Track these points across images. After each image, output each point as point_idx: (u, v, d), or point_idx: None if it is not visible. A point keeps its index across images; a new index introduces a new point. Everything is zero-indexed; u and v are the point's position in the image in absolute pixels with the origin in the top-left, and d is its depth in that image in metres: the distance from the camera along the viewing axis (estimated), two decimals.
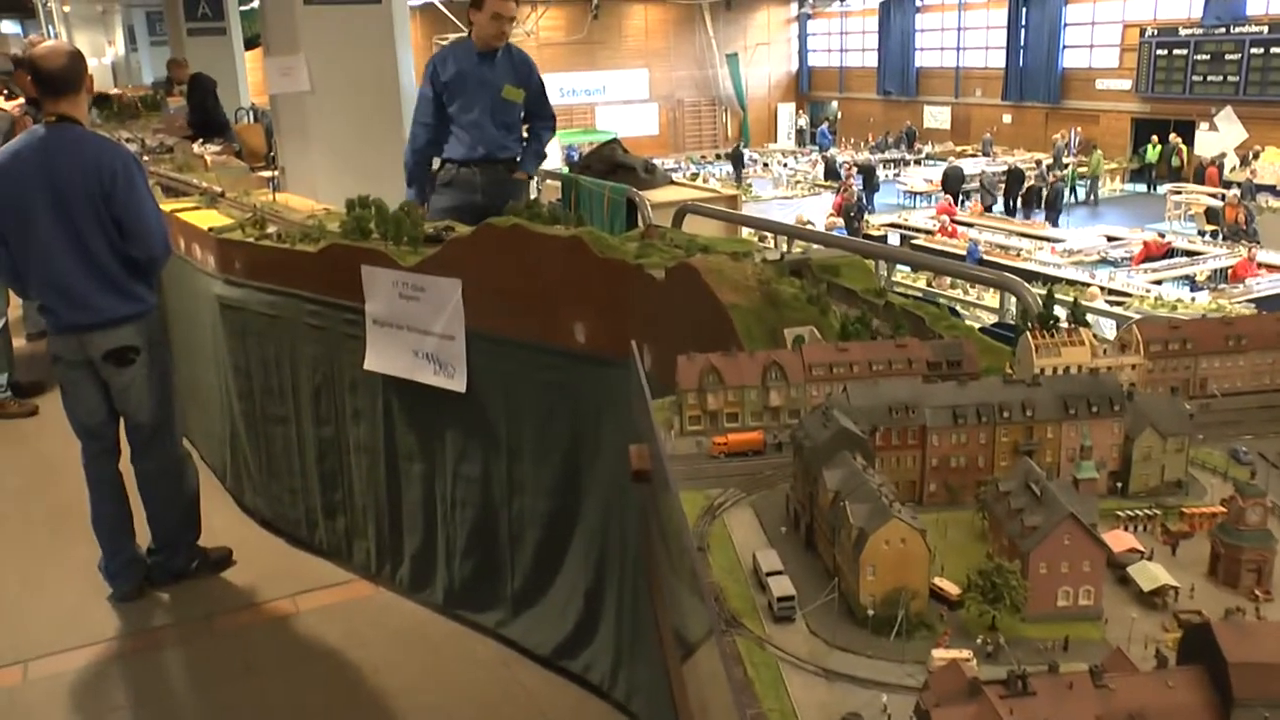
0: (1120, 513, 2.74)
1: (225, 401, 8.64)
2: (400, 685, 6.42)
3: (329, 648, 6.88)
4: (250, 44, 24.42)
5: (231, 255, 7.94)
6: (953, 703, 1.67)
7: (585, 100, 53.51)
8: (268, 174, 11.15)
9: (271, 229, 7.96)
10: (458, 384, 6.43)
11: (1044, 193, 36.11)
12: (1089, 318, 12.31)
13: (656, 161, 13.40)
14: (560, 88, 48.14)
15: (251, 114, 19.03)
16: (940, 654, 2.06)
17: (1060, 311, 3.70)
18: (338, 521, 7.80)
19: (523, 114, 9.61)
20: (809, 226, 27.44)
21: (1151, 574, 2.42)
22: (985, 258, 26.02)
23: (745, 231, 10.87)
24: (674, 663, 2.95)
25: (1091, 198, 40.24)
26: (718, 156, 53.62)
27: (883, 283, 10.60)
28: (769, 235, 10.02)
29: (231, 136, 15.26)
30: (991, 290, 17.51)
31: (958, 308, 18.44)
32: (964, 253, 26.20)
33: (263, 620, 7.28)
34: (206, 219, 8.75)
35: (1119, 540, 2.54)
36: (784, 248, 9.89)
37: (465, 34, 9.45)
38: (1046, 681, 1.70)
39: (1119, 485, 2.90)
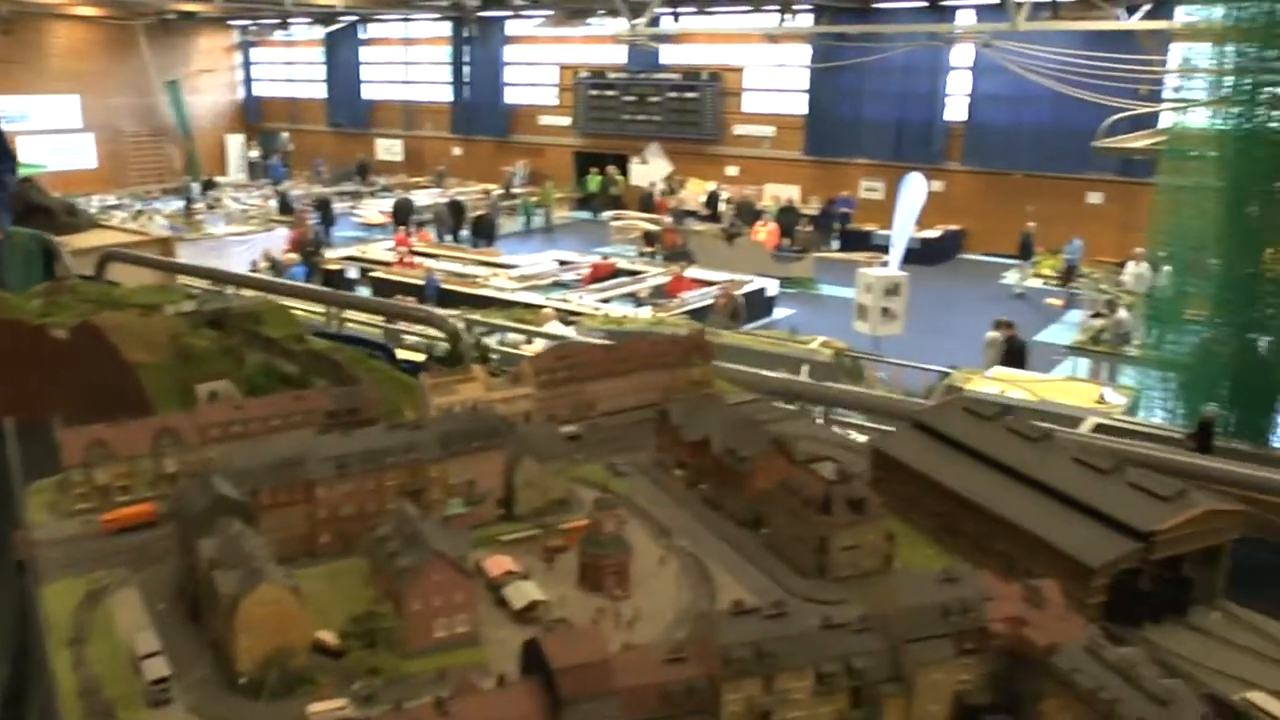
0: (503, 537, 2.95)
1: None
2: None
3: None
4: None
5: None
6: None
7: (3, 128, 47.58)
8: None
9: None
10: None
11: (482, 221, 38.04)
12: (538, 343, 12.77)
13: (96, 199, 12.40)
14: None
15: None
16: (316, 708, 2.11)
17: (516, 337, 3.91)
18: None
19: None
20: (267, 267, 26.77)
21: (524, 592, 2.63)
22: (445, 287, 26.70)
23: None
24: None
25: (546, 225, 42.74)
26: (165, 191, 50.44)
27: (335, 324, 10.58)
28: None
29: None
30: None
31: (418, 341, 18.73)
32: (423, 283, 26.67)
33: None
34: None
35: (498, 564, 2.74)
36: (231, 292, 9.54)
37: None
38: (392, 718, 1.80)
39: (507, 510, 3.13)
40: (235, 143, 56.15)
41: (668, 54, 42.95)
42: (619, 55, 44.30)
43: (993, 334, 21.11)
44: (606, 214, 41.17)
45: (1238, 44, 9.08)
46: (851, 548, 2.94)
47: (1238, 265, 9.54)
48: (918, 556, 3.18)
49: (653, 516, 3.15)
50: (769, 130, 42.21)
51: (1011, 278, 32.57)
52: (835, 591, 2.86)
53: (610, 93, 45.27)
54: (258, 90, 58.99)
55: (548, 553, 2.91)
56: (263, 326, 5.04)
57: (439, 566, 2.40)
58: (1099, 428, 9.56)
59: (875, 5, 37.28)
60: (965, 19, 35.06)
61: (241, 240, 34.58)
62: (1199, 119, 9.84)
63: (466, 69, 49.39)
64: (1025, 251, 33.10)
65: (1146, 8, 29.29)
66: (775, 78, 41.75)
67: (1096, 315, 22.77)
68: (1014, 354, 20.06)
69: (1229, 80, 9.24)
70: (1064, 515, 3.33)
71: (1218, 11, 9.33)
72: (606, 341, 10.35)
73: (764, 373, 6.63)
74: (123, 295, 5.65)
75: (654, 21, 34.54)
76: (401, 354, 9.35)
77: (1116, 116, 13.68)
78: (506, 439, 3.10)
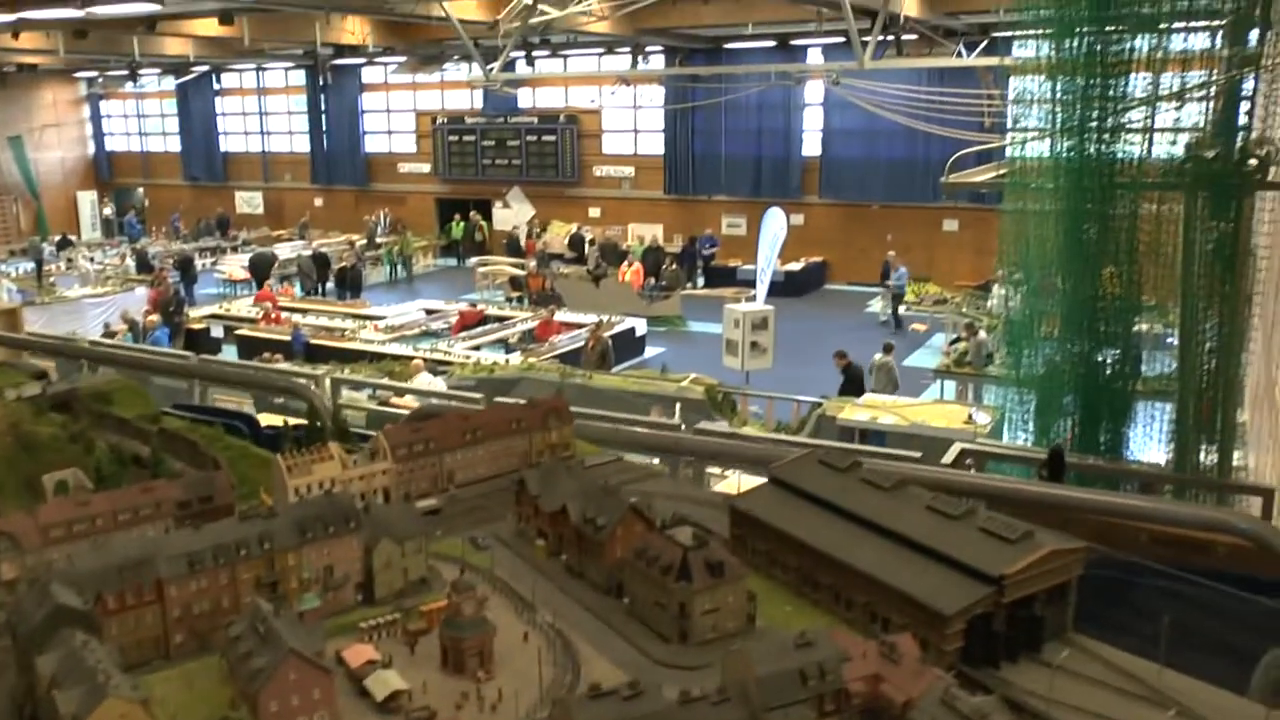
0: (364, 623, 2.91)
1: None
2: None
3: None
4: None
5: None
6: None
7: None
8: None
9: None
10: None
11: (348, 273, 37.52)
12: (410, 399, 12.53)
13: None
14: None
15: None
16: None
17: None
18: None
19: None
20: (124, 330, 25.80)
21: (385, 681, 2.60)
22: (313, 342, 26.19)
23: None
24: None
25: (407, 275, 42.36)
26: (12, 253, 48.36)
27: (198, 392, 10.24)
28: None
29: None
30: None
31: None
32: (290, 339, 26.12)
33: None
34: None
35: (358, 654, 2.70)
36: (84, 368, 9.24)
37: None
38: None
39: (367, 594, 3.08)
40: (88, 200, 54.18)
41: (525, 97, 43.17)
42: (476, 100, 44.37)
43: (876, 357, 21.78)
44: (473, 260, 41.02)
45: (1064, 77, 9.55)
46: (712, 611, 2.98)
47: (1080, 286, 9.99)
48: (779, 614, 3.24)
49: (515, 590, 3.15)
50: (629, 171, 42.73)
51: (876, 305, 33.48)
52: (699, 656, 2.90)
53: (469, 138, 45.28)
54: (110, 145, 57.15)
55: (409, 637, 2.88)
56: (113, 406, 4.88)
57: (294, 665, 2.35)
58: (963, 453, 9.86)
59: (726, 46, 38.07)
60: (814, 58, 36.09)
61: (98, 302, 33.24)
62: (1035, 150, 10.30)
63: (324, 118, 48.82)
64: (887, 280, 34.09)
65: (983, 44, 30.56)
66: (632, 119, 42.33)
67: (957, 339, 23.56)
68: (852, 381, 20.57)
69: (1060, 112, 9.71)
70: (919, 564, 3.43)
71: (1045, 47, 9.79)
72: (474, 394, 10.29)
73: (632, 428, 6.65)
74: None
75: (509, 66, 34.65)
76: (268, 419, 9.13)
77: (962, 152, 14.20)
78: (363, 521, 3.06)
